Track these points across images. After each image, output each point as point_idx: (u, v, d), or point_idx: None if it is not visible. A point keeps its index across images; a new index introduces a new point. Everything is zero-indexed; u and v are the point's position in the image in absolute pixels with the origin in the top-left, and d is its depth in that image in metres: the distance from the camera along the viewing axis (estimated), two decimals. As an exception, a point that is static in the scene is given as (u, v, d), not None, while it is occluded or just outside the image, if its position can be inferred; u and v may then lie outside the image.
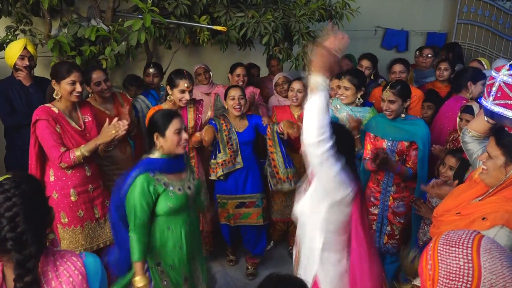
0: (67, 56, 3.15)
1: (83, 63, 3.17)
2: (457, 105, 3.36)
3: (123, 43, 3.08)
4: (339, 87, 3.06)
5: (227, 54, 3.88)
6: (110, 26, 3.16)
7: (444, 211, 1.73)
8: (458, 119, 3.15)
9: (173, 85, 2.88)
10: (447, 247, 1.09)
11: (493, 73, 1.64)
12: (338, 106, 3.11)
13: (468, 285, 1.03)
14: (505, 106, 1.56)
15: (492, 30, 6.30)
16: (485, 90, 1.69)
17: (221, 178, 3.06)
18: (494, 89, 1.59)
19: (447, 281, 1.06)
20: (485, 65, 4.67)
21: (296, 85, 3.26)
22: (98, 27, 3.09)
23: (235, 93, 3.04)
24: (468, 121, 2.69)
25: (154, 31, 3.00)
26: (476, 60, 4.80)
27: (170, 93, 2.92)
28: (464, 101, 3.54)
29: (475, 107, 2.82)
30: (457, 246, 1.08)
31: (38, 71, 3.63)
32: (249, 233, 3.24)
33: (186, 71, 2.95)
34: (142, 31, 2.89)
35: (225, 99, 3.11)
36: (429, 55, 4.42)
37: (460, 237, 1.10)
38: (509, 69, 1.58)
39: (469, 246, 1.07)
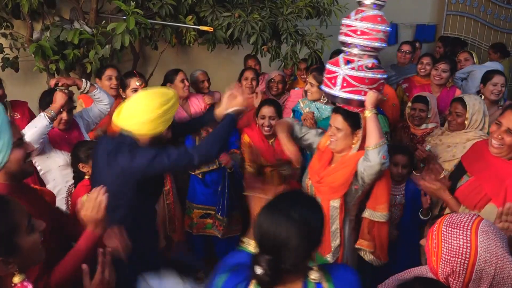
0: (50, 60, 3.08)
1: (66, 67, 3.11)
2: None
3: (107, 46, 3.02)
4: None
5: (215, 53, 3.82)
6: (93, 29, 3.09)
7: (316, 180, 2.22)
8: (407, 109, 3.14)
9: (124, 87, 2.80)
10: (450, 228, 1.25)
11: (334, 68, 2.08)
12: (306, 101, 3.09)
13: (466, 261, 1.20)
14: (352, 92, 2.03)
15: (481, 21, 6.30)
16: (327, 81, 2.11)
17: (199, 175, 2.97)
18: (339, 80, 2.04)
19: (449, 257, 1.23)
20: (474, 58, 4.68)
21: (267, 111, 2.89)
22: (81, 30, 3.02)
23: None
24: (457, 113, 2.65)
25: (138, 33, 2.94)
26: (466, 51, 4.80)
27: (124, 96, 2.83)
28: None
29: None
30: (458, 228, 1.24)
31: (21, 75, 3.56)
32: (220, 243, 3.15)
33: (136, 70, 2.90)
34: (126, 34, 2.83)
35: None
36: (408, 51, 4.36)
37: (461, 220, 1.26)
38: (346, 64, 2.02)
39: (469, 228, 1.23)
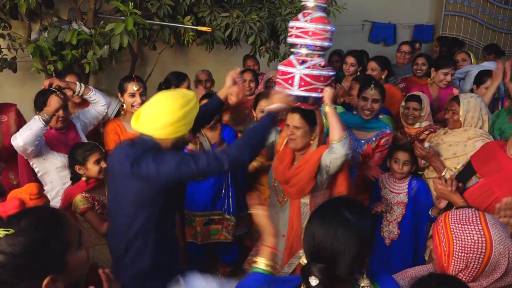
0: (48, 61, 3.07)
1: (65, 68, 3.10)
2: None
3: (105, 46, 3.01)
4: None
5: (214, 53, 3.83)
6: (91, 29, 3.08)
7: (283, 181, 2.29)
8: (401, 109, 3.13)
9: (122, 91, 2.70)
10: (459, 225, 1.25)
11: (289, 69, 2.14)
12: None
13: (482, 256, 1.21)
14: (309, 90, 2.10)
15: (479, 21, 6.31)
16: (283, 82, 2.15)
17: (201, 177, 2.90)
18: (296, 80, 2.10)
19: (462, 254, 1.23)
20: (472, 58, 4.68)
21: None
22: (79, 30, 3.01)
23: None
24: (453, 111, 2.64)
25: (137, 33, 2.93)
26: (463, 51, 4.81)
27: (122, 100, 2.75)
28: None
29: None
30: (468, 224, 1.25)
31: (19, 76, 3.55)
32: (219, 245, 3.05)
33: (135, 75, 2.84)
34: (124, 35, 2.82)
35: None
36: (407, 51, 4.36)
37: (467, 215, 1.27)
38: (301, 64, 2.10)
39: (479, 223, 1.24)
